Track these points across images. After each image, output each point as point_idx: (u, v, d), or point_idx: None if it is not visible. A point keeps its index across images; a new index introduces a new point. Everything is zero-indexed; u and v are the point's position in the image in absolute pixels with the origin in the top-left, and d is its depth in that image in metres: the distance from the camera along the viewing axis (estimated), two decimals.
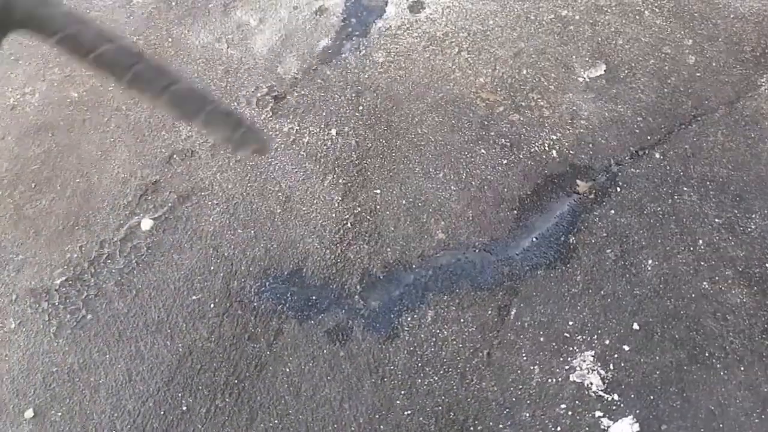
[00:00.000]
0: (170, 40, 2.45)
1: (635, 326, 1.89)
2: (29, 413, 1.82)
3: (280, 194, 2.12)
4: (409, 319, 1.92)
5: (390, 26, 2.48)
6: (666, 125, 2.21)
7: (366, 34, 2.47)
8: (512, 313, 1.93)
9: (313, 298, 1.96)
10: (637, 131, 2.21)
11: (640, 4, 2.45)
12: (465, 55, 2.37)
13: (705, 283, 1.94)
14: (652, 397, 1.79)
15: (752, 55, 2.32)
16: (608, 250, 2.00)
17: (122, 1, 2.60)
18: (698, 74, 2.28)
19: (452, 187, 2.11)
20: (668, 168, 2.13)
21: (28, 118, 2.31)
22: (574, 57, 2.34)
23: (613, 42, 2.37)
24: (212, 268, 2.01)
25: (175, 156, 2.20)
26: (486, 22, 2.45)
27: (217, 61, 2.39)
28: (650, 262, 1.98)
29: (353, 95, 2.30)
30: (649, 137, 2.19)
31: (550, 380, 1.83)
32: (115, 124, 2.27)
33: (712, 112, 2.22)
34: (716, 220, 2.04)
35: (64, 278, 2.01)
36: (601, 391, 1.81)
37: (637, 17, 2.42)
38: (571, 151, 2.18)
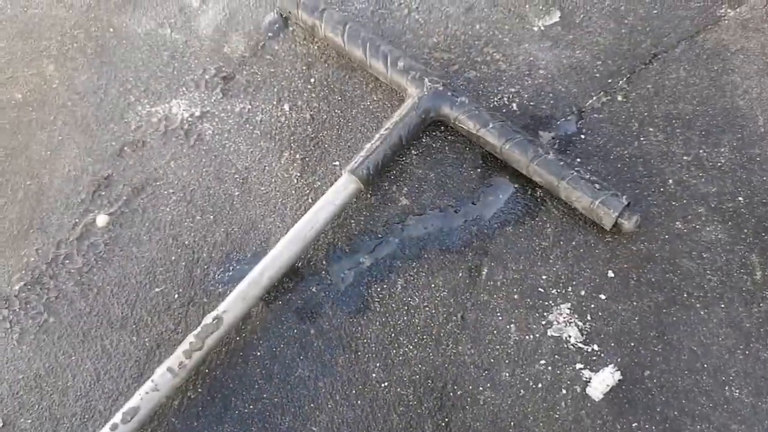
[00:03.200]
0: (111, 30, 2.36)
1: (610, 274, 1.84)
2: None
3: (236, 176, 2.06)
4: (378, 289, 1.87)
5: None
6: (626, 66, 2.15)
7: None
8: (484, 273, 1.87)
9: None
10: (597, 75, 2.14)
11: None
12: (415, 15, 2.29)
13: (678, 222, 1.89)
14: (632, 344, 1.75)
15: None
16: None
17: None
18: (655, 11, 2.22)
19: (413, 151, 2.05)
20: (632, 110, 2.07)
21: None
22: (527, 6, 2.27)
23: None
24: (173, 258, 1.95)
25: (126, 148, 2.13)
26: None
27: (161, 47, 2.31)
28: None
29: (304, 68, 2.23)
30: (609, 81, 2.13)
31: (527, 337, 1.78)
32: (62, 122, 2.19)
33: (673, 49, 2.16)
34: (685, 157, 1.99)
35: (22, 283, 1.94)
36: (580, 342, 1.76)
37: None
38: (531, 103, 2.11)
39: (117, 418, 1.62)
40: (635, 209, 1.84)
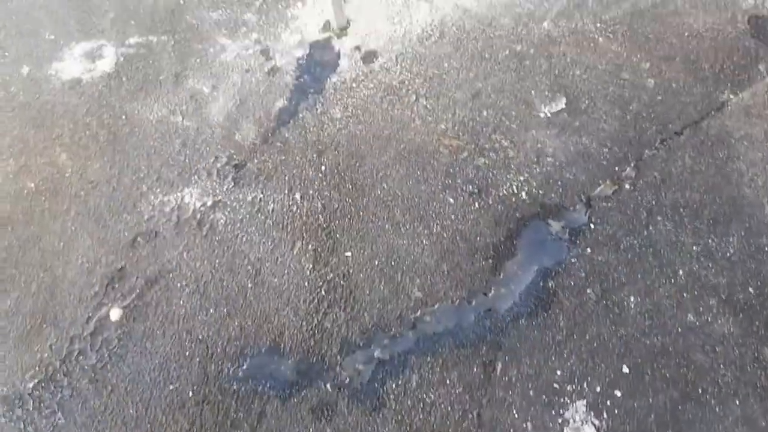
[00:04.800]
0: (124, 117, 2.40)
1: (625, 369, 1.85)
2: None
3: (249, 267, 2.07)
4: (393, 386, 1.87)
5: (345, 80, 2.45)
6: (633, 153, 2.18)
7: (321, 91, 2.43)
8: (498, 368, 1.88)
9: (294, 374, 1.90)
10: (605, 163, 2.17)
11: (593, 31, 2.43)
12: (423, 101, 2.33)
13: (690, 315, 1.91)
14: None
15: (711, 72, 2.30)
16: (589, 291, 1.96)
17: (72, 82, 2.55)
18: (659, 97, 2.26)
19: (424, 241, 2.07)
20: (640, 198, 2.10)
21: None
22: (533, 92, 2.32)
23: (571, 73, 2.35)
24: (187, 353, 1.95)
25: (138, 239, 2.14)
26: (441, 66, 2.42)
27: (173, 134, 2.35)
28: (632, 299, 1.94)
29: (314, 155, 2.26)
30: (617, 168, 2.16)
31: None
32: (74, 212, 2.21)
33: (678, 135, 2.20)
34: (694, 247, 2.01)
35: (36, 381, 1.94)
36: None
37: (592, 45, 2.40)
38: (540, 191, 2.14)
39: None
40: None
